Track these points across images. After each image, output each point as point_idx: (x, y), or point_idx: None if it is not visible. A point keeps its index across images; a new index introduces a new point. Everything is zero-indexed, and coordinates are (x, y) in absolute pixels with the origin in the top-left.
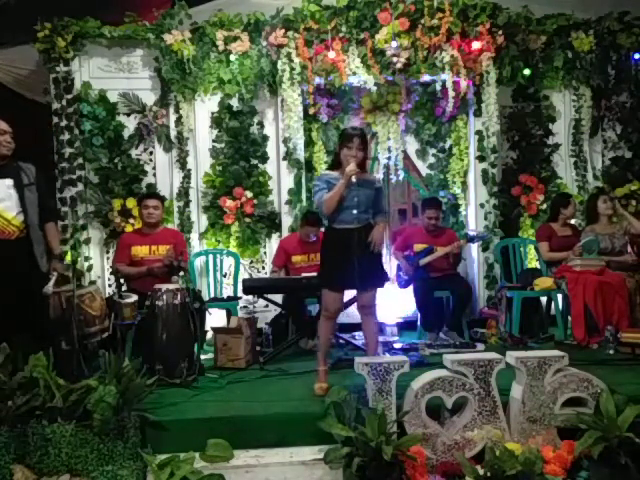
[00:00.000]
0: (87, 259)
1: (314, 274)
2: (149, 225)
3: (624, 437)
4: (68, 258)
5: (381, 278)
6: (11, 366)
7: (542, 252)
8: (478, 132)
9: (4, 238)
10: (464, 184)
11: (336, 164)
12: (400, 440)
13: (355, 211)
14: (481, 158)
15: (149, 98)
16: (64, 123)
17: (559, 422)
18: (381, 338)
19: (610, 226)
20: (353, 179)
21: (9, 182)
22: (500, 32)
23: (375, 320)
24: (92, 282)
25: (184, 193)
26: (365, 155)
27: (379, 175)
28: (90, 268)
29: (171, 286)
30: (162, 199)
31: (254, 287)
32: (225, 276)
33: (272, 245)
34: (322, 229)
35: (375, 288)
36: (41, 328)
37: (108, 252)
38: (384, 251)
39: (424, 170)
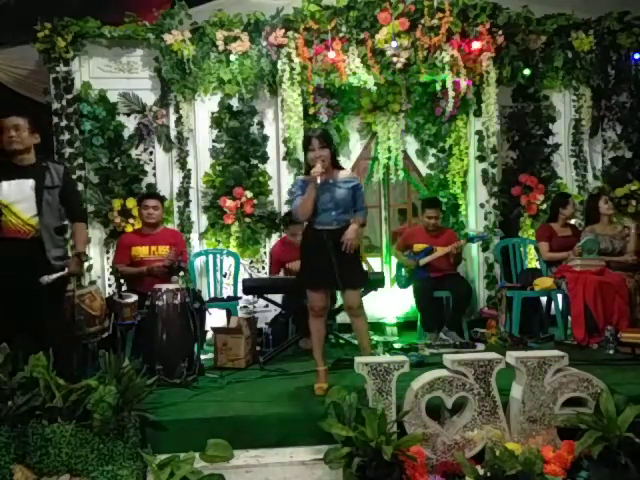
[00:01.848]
0: (87, 259)
1: None
2: (149, 225)
3: (624, 437)
4: (84, 265)
5: (360, 278)
6: (11, 366)
7: (542, 252)
8: (478, 132)
9: (20, 237)
10: (464, 184)
11: (309, 169)
12: (400, 440)
13: (334, 212)
14: (481, 158)
15: (149, 98)
16: (64, 123)
17: (559, 422)
18: (381, 338)
19: (610, 227)
20: (318, 180)
21: (31, 183)
22: (500, 32)
23: (364, 320)
24: (92, 282)
25: (184, 193)
26: (331, 153)
27: (378, 175)
28: (90, 268)
29: (171, 286)
30: (162, 199)
31: (254, 287)
32: (225, 276)
33: (272, 245)
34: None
35: (355, 287)
36: (48, 329)
37: (108, 252)
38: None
39: (424, 170)
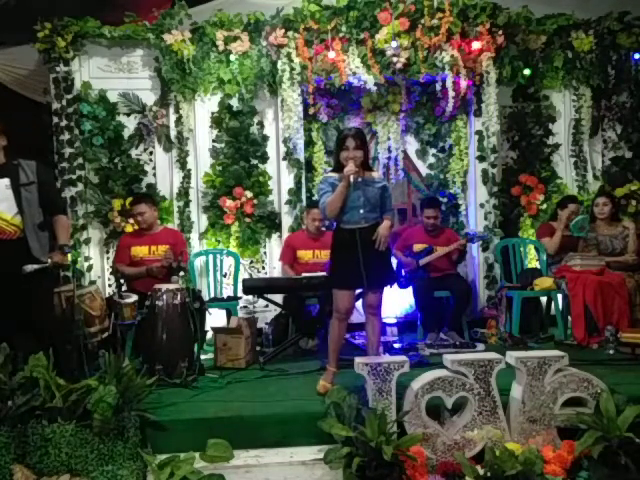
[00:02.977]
0: (87, 259)
1: (315, 274)
2: (143, 228)
3: (624, 437)
4: (68, 257)
5: (389, 277)
6: (11, 366)
7: (547, 245)
8: (478, 132)
9: (5, 238)
10: (464, 184)
11: (338, 166)
12: (400, 440)
13: (362, 210)
14: (481, 158)
15: (149, 98)
16: (64, 123)
17: (559, 422)
18: (381, 338)
19: (610, 227)
20: (351, 179)
21: (6, 182)
22: (500, 32)
23: (380, 320)
24: (92, 282)
25: (184, 193)
26: (365, 153)
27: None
28: (90, 268)
29: (171, 286)
30: (151, 200)
31: (254, 287)
32: (225, 276)
33: (272, 245)
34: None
35: (383, 288)
36: (41, 328)
37: (108, 252)
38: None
39: (424, 170)
